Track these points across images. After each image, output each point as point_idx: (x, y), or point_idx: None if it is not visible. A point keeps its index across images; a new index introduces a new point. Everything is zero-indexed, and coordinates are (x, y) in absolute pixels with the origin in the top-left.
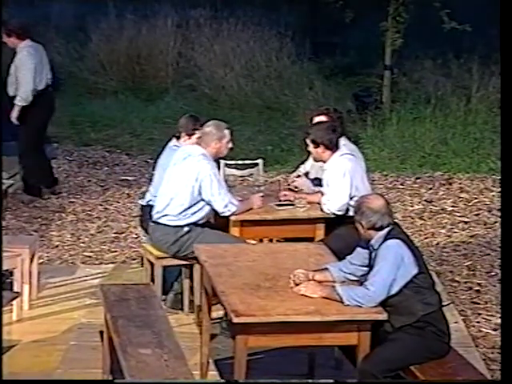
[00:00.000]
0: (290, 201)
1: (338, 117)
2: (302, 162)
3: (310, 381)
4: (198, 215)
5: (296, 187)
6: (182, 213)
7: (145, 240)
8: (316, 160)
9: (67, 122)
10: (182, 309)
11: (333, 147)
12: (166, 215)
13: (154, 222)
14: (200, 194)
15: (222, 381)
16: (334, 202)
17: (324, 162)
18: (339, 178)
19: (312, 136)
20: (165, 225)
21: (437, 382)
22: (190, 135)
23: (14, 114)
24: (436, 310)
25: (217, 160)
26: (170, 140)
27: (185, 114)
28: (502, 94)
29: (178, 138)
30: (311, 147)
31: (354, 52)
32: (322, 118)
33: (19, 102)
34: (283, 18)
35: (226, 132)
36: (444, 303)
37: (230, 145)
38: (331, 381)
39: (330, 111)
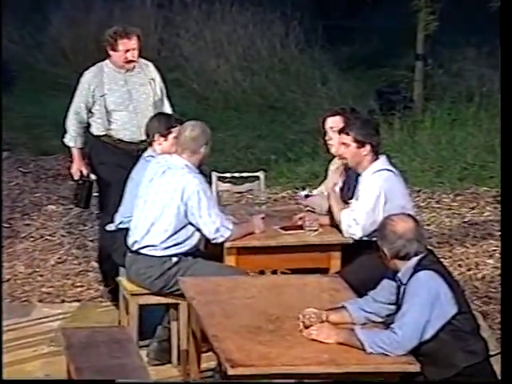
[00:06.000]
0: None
1: (356, 117)
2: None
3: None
4: (188, 243)
5: (306, 206)
6: (166, 240)
7: (120, 272)
8: (347, 168)
9: (21, 126)
10: (169, 361)
11: (377, 152)
12: (146, 246)
13: (132, 252)
14: (187, 216)
15: (222, 381)
16: (361, 226)
17: (358, 168)
18: (372, 198)
19: (354, 133)
20: (147, 255)
21: (436, 382)
22: (165, 136)
23: None
24: (481, 360)
25: (209, 174)
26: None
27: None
28: (502, 99)
29: (151, 143)
30: (352, 146)
31: (377, 38)
32: (337, 120)
33: None
34: None
35: (210, 133)
36: (492, 352)
37: None
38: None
39: (346, 111)
